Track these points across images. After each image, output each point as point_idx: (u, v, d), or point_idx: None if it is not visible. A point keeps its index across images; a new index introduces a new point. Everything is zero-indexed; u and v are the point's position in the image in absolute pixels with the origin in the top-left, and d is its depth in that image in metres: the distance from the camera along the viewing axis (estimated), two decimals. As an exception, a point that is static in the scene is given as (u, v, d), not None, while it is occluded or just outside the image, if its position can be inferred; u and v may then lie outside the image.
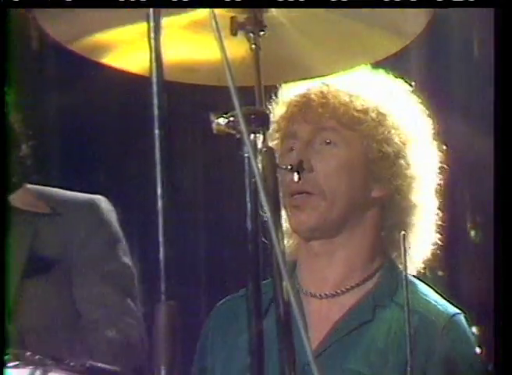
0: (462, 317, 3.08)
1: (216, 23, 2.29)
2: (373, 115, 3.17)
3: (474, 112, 5.27)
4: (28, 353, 2.51)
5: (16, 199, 3.85)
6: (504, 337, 2.57)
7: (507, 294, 2.59)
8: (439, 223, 3.21)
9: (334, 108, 3.15)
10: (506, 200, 2.68)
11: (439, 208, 3.20)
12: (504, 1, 2.70)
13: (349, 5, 2.80)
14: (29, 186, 3.94)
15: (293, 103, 3.20)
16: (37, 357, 2.47)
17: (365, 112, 3.17)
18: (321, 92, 3.18)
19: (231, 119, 2.33)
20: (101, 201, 3.91)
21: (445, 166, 3.30)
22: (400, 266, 3.00)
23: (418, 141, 3.26)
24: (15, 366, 2.45)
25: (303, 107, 3.19)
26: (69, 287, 3.88)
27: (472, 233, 4.66)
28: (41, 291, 3.85)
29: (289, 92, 3.20)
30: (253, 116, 2.31)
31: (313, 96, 3.18)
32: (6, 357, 2.55)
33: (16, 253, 3.89)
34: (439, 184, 3.25)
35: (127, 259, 3.89)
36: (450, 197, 3.44)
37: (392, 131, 3.20)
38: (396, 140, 3.19)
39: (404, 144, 3.19)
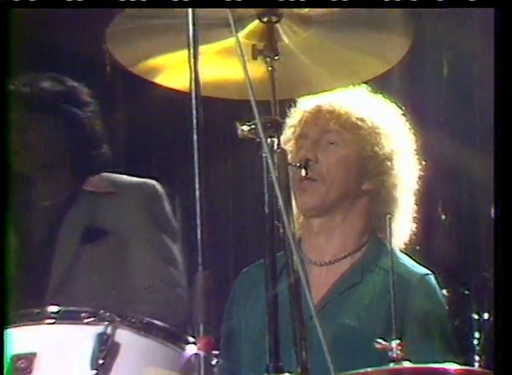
0: (432, 277, 3.12)
1: (241, 49, 2.25)
2: (369, 123, 3.18)
3: (448, 127, 5.09)
4: (102, 311, 2.29)
5: (89, 183, 3.87)
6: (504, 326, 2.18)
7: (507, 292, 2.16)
8: (415, 214, 3.20)
9: (338, 115, 3.17)
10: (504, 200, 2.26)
11: (415, 203, 3.21)
12: (504, 1, 2.37)
13: (349, 5, 2.70)
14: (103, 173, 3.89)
15: (307, 111, 3.17)
16: (108, 314, 2.27)
17: (363, 120, 3.18)
18: (330, 103, 3.18)
19: (252, 126, 2.29)
20: (153, 183, 3.84)
21: (422, 171, 3.29)
22: (385, 241, 2.84)
23: (402, 149, 3.26)
24: (91, 322, 2.27)
25: (314, 113, 3.19)
26: (123, 254, 3.74)
27: (441, 218, 4.78)
28: (98, 256, 3.74)
29: (303, 103, 3.15)
30: (269, 124, 2.30)
31: (322, 105, 3.18)
32: (83, 314, 2.30)
33: (75, 224, 3.82)
34: (416, 183, 3.25)
35: (172, 235, 3.78)
36: (425, 194, 3.41)
37: (383, 138, 3.21)
38: (385, 145, 3.20)
39: (391, 149, 3.20)
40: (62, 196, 3.81)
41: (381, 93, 3.20)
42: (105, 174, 3.93)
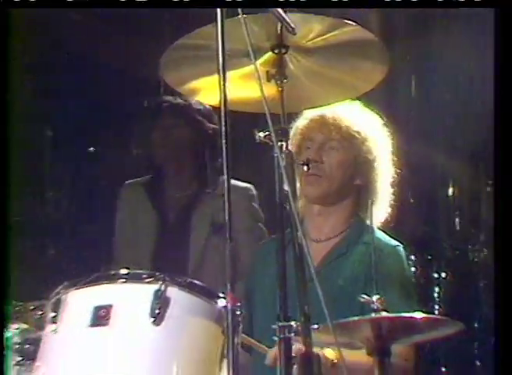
0: (401, 247, 3.19)
1: (258, 74, 2.21)
2: (362, 135, 3.21)
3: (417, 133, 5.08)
4: (157, 273, 2.26)
5: (211, 185, 3.86)
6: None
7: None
8: (391, 200, 3.22)
9: (340, 127, 3.17)
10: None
11: (393, 194, 3.22)
12: (504, 1, 2.06)
13: (349, 5, 2.70)
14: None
15: (314, 120, 3.14)
16: (162, 275, 2.25)
17: (358, 132, 3.20)
18: (333, 116, 3.16)
19: (267, 133, 2.28)
20: (252, 187, 3.91)
21: (397, 170, 3.28)
22: (367, 221, 2.97)
23: (383, 153, 3.27)
24: (150, 282, 2.26)
25: (320, 123, 3.17)
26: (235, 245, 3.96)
27: (410, 201, 4.77)
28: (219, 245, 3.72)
29: (309, 114, 3.12)
30: (279, 131, 2.28)
31: (327, 117, 3.16)
32: (144, 275, 2.32)
33: (204, 218, 3.84)
34: (392, 178, 3.27)
35: (262, 223, 3.84)
36: (398, 185, 3.34)
37: (371, 146, 3.25)
38: (373, 152, 3.23)
39: (377, 154, 3.23)
40: (188, 192, 3.93)
41: (368, 107, 3.20)
42: (220, 178, 4.01)
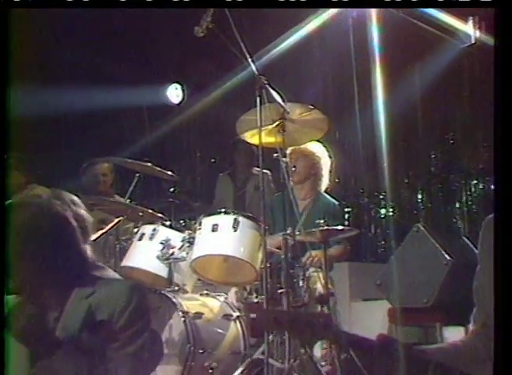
0: (337, 203, 4.67)
1: (277, 132, 3.76)
2: (315, 154, 4.66)
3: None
4: (234, 211, 4.24)
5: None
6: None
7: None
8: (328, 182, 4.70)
9: (305, 151, 4.60)
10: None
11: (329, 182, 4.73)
12: (504, 1, 1.86)
13: (349, 5, 3.03)
14: None
15: (294, 149, 4.49)
16: (235, 212, 4.11)
17: (313, 153, 4.65)
18: (306, 148, 4.53)
19: (276, 154, 3.76)
20: (269, 173, 5.48)
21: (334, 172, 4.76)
22: (320, 190, 4.67)
23: (325, 161, 4.68)
24: (232, 214, 4.03)
25: (297, 150, 4.53)
26: None
27: (336, 181, 5.67)
28: None
29: (294, 147, 4.40)
30: (283, 153, 3.78)
31: (300, 148, 4.51)
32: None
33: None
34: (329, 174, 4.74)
35: None
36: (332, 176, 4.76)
37: (323, 164, 4.69)
38: (320, 161, 4.68)
39: (321, 162, 4.69)
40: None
41: (319, 142, 4.59)
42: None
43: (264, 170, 5.26)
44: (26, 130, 5.72)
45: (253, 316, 3.44)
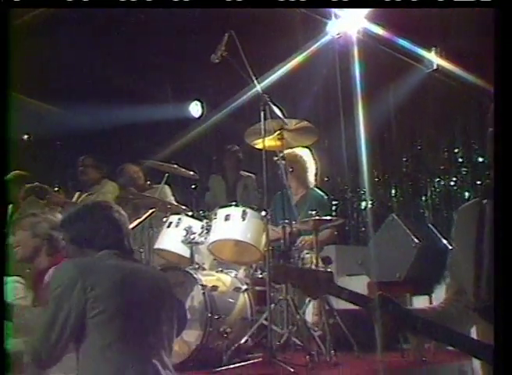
0: (325, 195, 4.57)
1: (277, 139, 3.85)
2: (303, 158, 4.60)
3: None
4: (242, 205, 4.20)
5: None
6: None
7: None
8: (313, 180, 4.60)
9: (296, 154, 4.53)
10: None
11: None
12: (504, 1, 1.63)
13: (349, 5, 2.59)
14: None
15: (290, 155, 4.36)
16: (242, 205, 4.13)
17: (301, 156, 4.58)
18: (296, 153, 4.51)
19: (275, 158, 3.86)
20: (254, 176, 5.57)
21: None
22: (311, 186, 4.57)
23: (311, 164, 4.61)
24: (240, 206, 4.10)
25: (290, 154, 4.39)
26: None
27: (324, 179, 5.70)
28: None
29: (290, 153, 4.32)
30: (282, 156, 3.89)
31: (292, 151, 4.43)
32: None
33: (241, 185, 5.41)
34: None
35: None
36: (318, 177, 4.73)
37: (308, 166, 4.61)
38: (306, 163, 4.59)
39: (307, 166, 4.61)
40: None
41: (307, 148, 4.57)
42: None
43: (251, 174, 5.58)
44: (96, 140, 6.55)
45: (258, 288, 3.76)
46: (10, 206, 4.40)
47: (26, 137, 6.48)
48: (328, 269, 3.51)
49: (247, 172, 5.63)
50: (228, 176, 5.67)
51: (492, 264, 1.58)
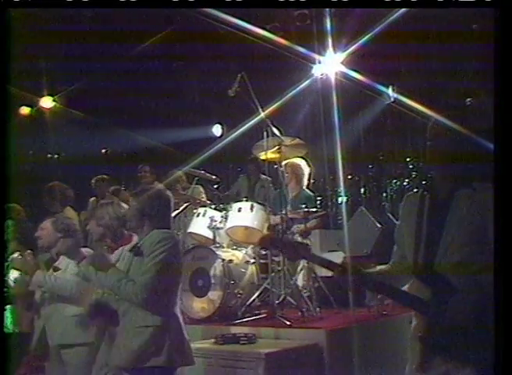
0: (312, 194, 4.43)
1: (276, 153, 3.74)
2: (301, 166, 4.38)
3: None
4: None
5: None
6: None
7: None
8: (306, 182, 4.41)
9: (293, 163, 4.33)
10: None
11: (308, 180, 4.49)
12: (504, 1, 1.29)
13: (349, 5, 1.93)
14: None
15: (288, 163, 4.20)
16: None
17: (299, 164, 4.38)
18: (294, 161, 4.28)
19: (277, 165, 3.84)
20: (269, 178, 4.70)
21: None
22: (304, 187, 4.37)
23: (305, 170, 4.39)
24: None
25: (292, 163, 4.26)
26: None
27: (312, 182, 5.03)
28: None
29: (288, 161, 4.17)
30: (284, 163, 3.84)
31: (292, 161, 4.25)
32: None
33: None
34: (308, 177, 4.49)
35: None
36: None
37: (304, 171, 4.39)
38: (302, 169, 4.38)
39: (302, 172, 4.40)
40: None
41: (301, 158, 4.36)
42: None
43: (268, 177, 5.16)
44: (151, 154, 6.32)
45: (262, 261, 3.67)
46: (92, 199, 4.90)
47: (104, 151, 6.83)
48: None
49: (265, 175, 5.38)
50: (251, 177, 5.52)
51: (427, 238, 1.51)
